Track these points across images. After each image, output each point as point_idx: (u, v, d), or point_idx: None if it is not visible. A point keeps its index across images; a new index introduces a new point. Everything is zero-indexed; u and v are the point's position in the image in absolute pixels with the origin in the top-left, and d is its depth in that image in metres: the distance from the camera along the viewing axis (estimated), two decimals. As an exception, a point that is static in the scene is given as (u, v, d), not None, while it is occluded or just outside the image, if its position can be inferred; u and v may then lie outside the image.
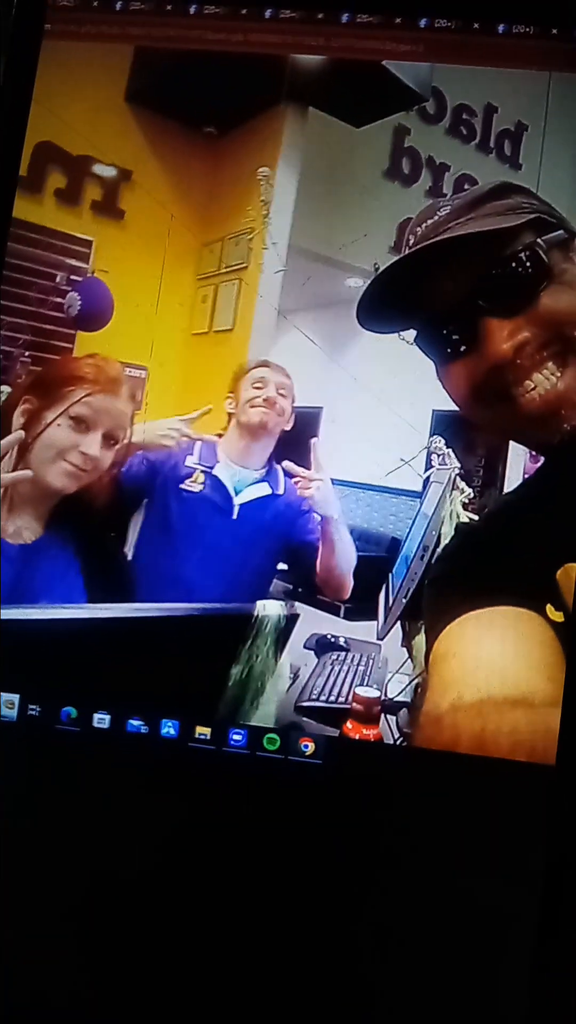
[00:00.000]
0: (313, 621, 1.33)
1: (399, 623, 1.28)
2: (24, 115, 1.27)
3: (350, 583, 1.38)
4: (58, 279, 1.40)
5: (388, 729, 1.18)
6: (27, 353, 1.34)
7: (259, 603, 1.26)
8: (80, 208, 1.43)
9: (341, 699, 1.23)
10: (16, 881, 1.12)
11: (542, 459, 1.13)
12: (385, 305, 1.10)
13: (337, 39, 1.23)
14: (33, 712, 1.17)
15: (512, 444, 1.22)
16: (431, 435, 1.27)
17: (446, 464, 1.29)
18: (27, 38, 1.26)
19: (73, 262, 1.41)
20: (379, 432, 1.29)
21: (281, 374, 1.40)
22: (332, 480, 1.33)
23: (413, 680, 1.21)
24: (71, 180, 1.41)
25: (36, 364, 1.34)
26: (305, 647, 1.32)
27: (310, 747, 1.13)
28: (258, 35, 1.25)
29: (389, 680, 1.24)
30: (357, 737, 1.16)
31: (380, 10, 1.21)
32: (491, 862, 1.05)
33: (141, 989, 1.11)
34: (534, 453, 1.16)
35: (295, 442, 1.38)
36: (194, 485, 1.41)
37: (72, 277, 1.41)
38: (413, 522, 1.35)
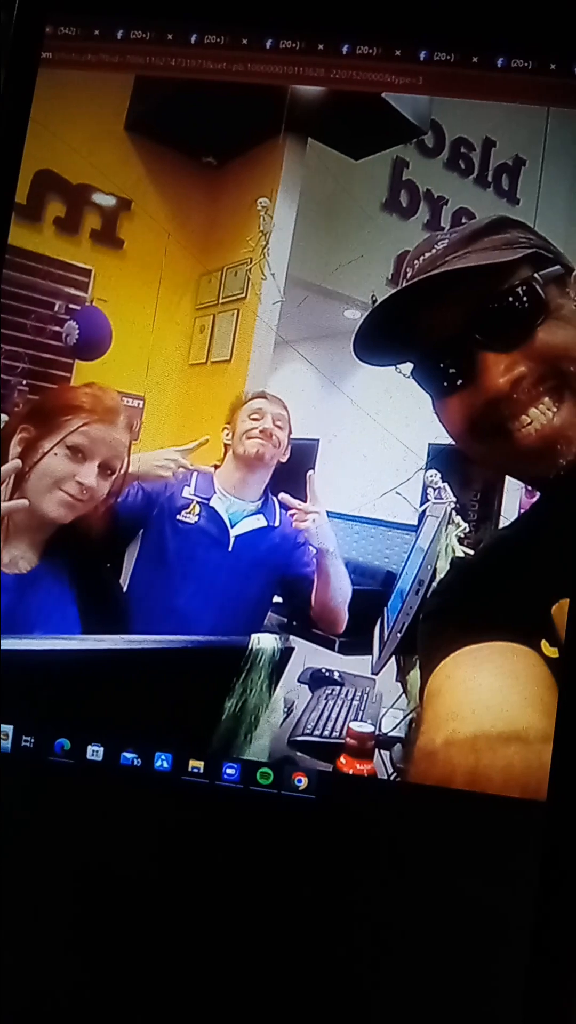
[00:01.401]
0: (308, 655, 1.32)
1: (394, 658, 1.28)
2: (20, 142, 1.26)
3: (345, 617, 1.38)
4: (56, 308, 1.40)
5: (382, 764, 1.17)
6: (24, 382, 1.34)
7: (254, 636, 1.26)
8: (79, 237, 1.44)
9: (335, 734, 1.22)
10: (9, 914, 1.11)
11: (538, 494, 1.12)
12: (382, 337, 1.09)
13: (337, 71, 1.23)
14: (27, 744, 1.17)
15: (508, 479, 1.22)
16: (427, 469, 1.27)
17: (442, 498, 1.29)
18: (24, 64, 1.26)
19: (72, 291, 1.42)
20: (375, 465, 1.28)
21: (278, 406, 1.40)
22: (328, 513, 1.33)
23: (407, 715, 1.21)
24: (70, 209, 1.41)
25: (33, 393, 1.33)
26: (299, 681, 1.31)
27: (304, 782, 1.13)
28: (258, 66, 1.25)
29: (383, 715, 1.24)
30: (351, 772, 1.15)
31: (380, 43, 1.21)
32: (485, 899, 1.04)
33: (136, 1018, 1.10)
34: (530, 488, 1.15)
35: (291, 474, 1.38)
36: (190, 516, 1.40)
37: (70, 306, 1.41)
38: (408, 556, 1.35)
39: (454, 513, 1.28)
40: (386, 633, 1.30)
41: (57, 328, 1.39)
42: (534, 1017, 1.02)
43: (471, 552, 1.26)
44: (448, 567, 1.23)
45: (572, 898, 1.03)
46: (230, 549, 1.41)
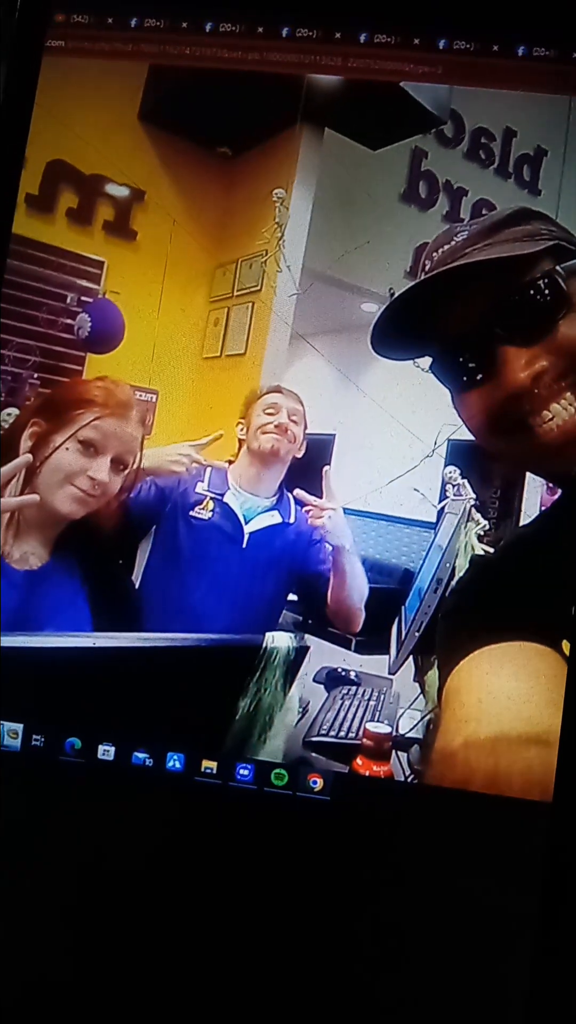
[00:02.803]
0: (323, 654, 1.31)
1: (411, 657, 1.27)
2: (24, 132, 1.25)
3: (361, 615, 1.37)
4: (69, 300, 1.39)
5: (399, 766, 1.16)
6: (36, 375, 1.33)
7: (268, 634, 1.24)
8: (92, 228, 1.43)
9: (351, 735, 1.21)
10: (18, 912, 1.10)
11: (559, 491, 1.11)
12: (400, 331, 1.07)
13: (355, 59, 1.22)
14: (37, 742, 1.16)
15: (529, 475, 1.20)
16: (446, 465, 1.26)
17: (461, 495, 1.28)
18: (28, 52, 1.25)
19: (84, 283, 1.41)
20: (393, 461, 1.27)
21: (294, 400, 1.38)
22: (344, 509, 1.32)
23: (425, 716, 1.20)
24: (83, 199, 1.40)
25: (45, 386, 1.33)
26: (315, 680, 1.30)
27: (319, 783, 1.11)
28: (275, 54, 1.24)
29: (401, 716, 1.23)
30: (367, 774, 1.14)
31: (398, 31, 1.20)
32: (502, 902, 1.03)
33: (145, 1022, 1.09)
34: (551, 485, 1.14)
35: (307, 470, 1.37)
36: (204, 512, 1.39)
37: (83, 298, 1.40)
38: (427, 554, 1.33)
39: (473, 510, 1.27)
40: (404, 632, 1.29)
41: (69, 321, 1.38)
42: (539, 1016, 1.01)
43: (491, 550, 1.24)
44: (467, 565, 1.22)
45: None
46: (244, 546, 1.40)
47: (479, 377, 1.02)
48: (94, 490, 1.24)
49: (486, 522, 1.26)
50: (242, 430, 1.43)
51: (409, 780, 1.15)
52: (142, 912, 1.10)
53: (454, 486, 1.29)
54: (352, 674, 1.33)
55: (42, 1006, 1.10)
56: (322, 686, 1.32)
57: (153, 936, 1.09)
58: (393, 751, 1.16)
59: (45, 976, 1.10)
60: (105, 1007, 1.09)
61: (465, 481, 1.28)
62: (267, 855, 1.10)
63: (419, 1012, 1.04)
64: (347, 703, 1.30)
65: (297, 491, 1.38)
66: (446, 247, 1.04)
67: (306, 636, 1.30)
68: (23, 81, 1.25)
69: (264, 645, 1.23)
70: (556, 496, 1.12)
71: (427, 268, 1.07)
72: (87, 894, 1.11)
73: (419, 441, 1.25)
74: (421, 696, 1.24)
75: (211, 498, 1.40)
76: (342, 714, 1.27)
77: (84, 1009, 1.09)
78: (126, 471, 1.28)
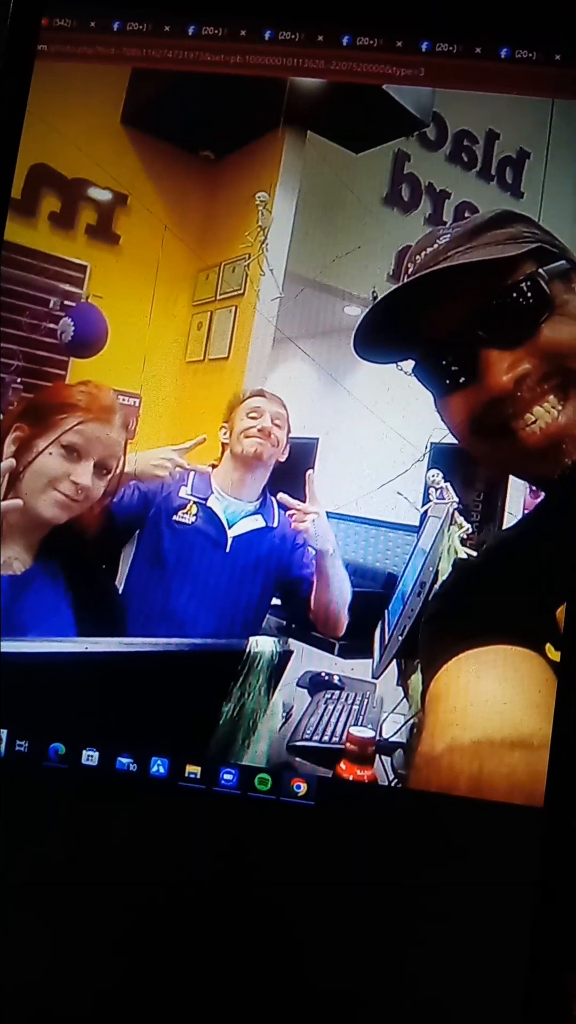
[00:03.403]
0: (307, 658, 1.31)
1: (395, 661, 1.27)
2: (16, 136, 1.25)
3: (345, 619, 1.37)
4: (51, 304, 1.39)
5: (383, 770, 1.16)
6: (19, 379, 1.33)
7: (252, 639, 1.24)
8: (75, 232, 1.42)
9: (335, 739, 1.21)
10: (2, 917, 1.10)
11: (543, 494, 1.11)
12: (383, 334, 1.08)
13: (337, 62, 1.21)
14: (20, 748, 1.15)
15: (512, 479, 1.20)
16: (429, 468, 1.26)
17: (444, 498, 1.28)
18: (20, 58, 1.24)
19: (67, 287, 1.40)
20: (376, 465, 1.27)
21: (277, 404, 1.38)
22: (327, 513, 1.32)
23: (409, 720, 1.20)
24: (66, 203, 1.40)
25: (28, 391, 1.32)
26: (298, 685, 1.30)
27: (303, 788, 1.11)
28: (257, 57, 1.24)
29: (384, 720, 1.23)
30: (351, 778, 1.14)
31: (381, 33, 1.20)
32: (486, 906, 1.03)
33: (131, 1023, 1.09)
34: (534, 488, 1.14)
35: (290, 474, 1.37)
36: (187, 517, 1.39)
37: (66, 302, 1.40)
38: (410, 557, 1.33)
39: (456, 514, 1.27)
40: (387, 636, 1.29)
41: (52, 325, 1.38)
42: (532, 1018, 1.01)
43: (474, 554, 1.24)
44: (450, 569, 1.22)
45: (570, 905, 1.02)
46: (228, 550, 1.40)
47: (462, 380, 1.02)
48: (77, 495, 1.24)
49: (469, 525, 1.26)
50: (225, 434, 1.43)
51: (393, 784, 1.14)
52: (127, 917, 1.10)
53: (437, 489, 1.29)
54: (336, 678, 1.33)
55: (27, 1009, 1.09)
56: (306, 690, 1.32)
57: (138, 942, 1.09)
58: (377, 755, 1.16)
59: (31, 980, 1.10)
60: (90, 1010, 1.09)
61: (448, 484, 1.28)
62: (251, 860, 1.09)
63: (407, 1016, 1.04)
64: (331, 707, 1.29)
65: (280, 495, 1.38)
66: (429, 250, 1.05)
67: (290, 640, 1.31)
68: (16, 86, 1.25)
69: (248, 650, 1.23)
70: (539, 499, 1.12)
71: (410, 271, 1.07)
72: (71, 900, 1.11)
73: (409, 445, 1.25)
74: (405, 700, 1.24)
75: (194, 502, 1.40)
76: (326, 718, 1.27)
77: (69, 1012, 1.09)
78: (109, 476, 1.28)
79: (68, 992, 1.09)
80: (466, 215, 1.29)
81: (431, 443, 1.24)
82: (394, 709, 1.24)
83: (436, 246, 1.04)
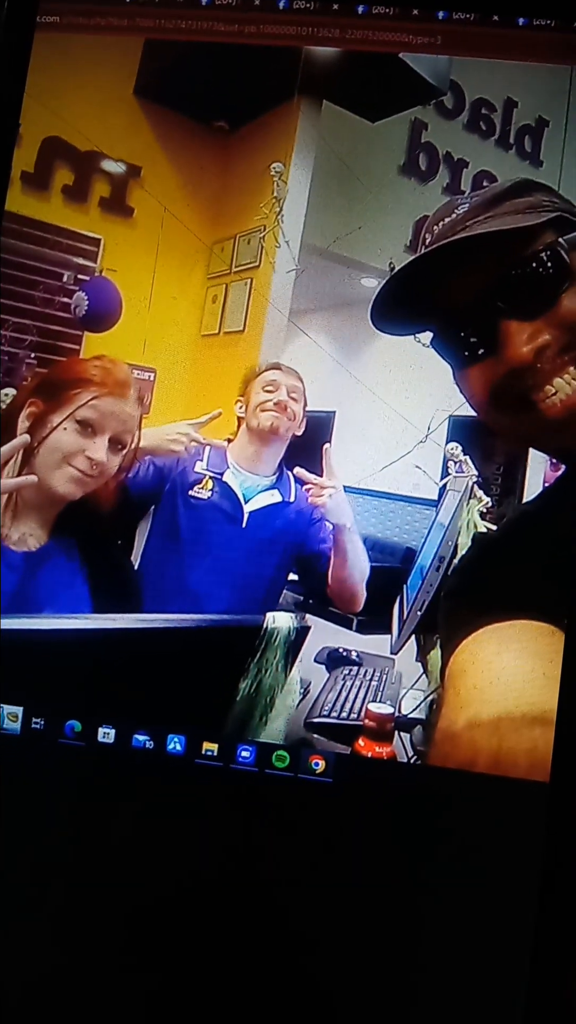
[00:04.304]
0: (324, 634, 1.31)
1: (414, 637, 1.26)
2: (16, 108, 1.24)
3: (363, 594, 1.36)
4: (65, 278, 1.38)
5: (402, 747, 1.15)
6: (33, 354, 1.33)
7: (269, 615, 1.23)
8: (88, 205, 1.42)
9: (353, 715, 1.21)
10: (18, 895, 1.10)
11: (563, 467, 1.09)
12: (400, 306, 1.06)
13: (353, 31, 1.20)
14: (37, 725, 1.15)
15: (532, 451, 1.19)
16: (448, 441, 1.25)
17: (463, 472, 1.27)
18: (19, 27, 1.23)
19: (81, 261, 1.40)
20: (394, 438, 1.26)
21: (293, 377, 1.37)
22: (345, 487, 1.31)
23: (428, 696, 1.19)
24: (79, 177, 1.39)
25: (42, 366, 1.32)
26: (316, 661, 1.30)
27: (320, 765, 1.10)
28: (271, 27, 1.22)
29: (403, 696, 1.22)
30: (369, 755, 1.14)
31: (397, 1, 1.18)
32: (504, 882, 1.02)
33: (143, 1007, 1.09)
34: (555, 461, 1.13)
35: (307, 448, 1.36)
36: (203, 492, 1.39)
37: (79, 276, 1.39)
38: (429, 532, 1.33)
39: (476, 487, 1.26)
40: (406, 611, 1.29)
41: (66, 299, 1.37)
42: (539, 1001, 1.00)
43: (494, 527, 1.23)
44: (470, 543, 1.21)
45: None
46: (244, 525, 1.39)
47: (481, 352, 1.00)
48: (92, 470, 1.23)
49: (488, 499, 1.26)
50: (241, 408, 1.42)
51: (412, 761, 1.14)
52: (143, 895, 1.10)
53: (456, 463, 1.28)
54: (354, 654, 1.33)
55: (41, 986, 1.09)
56: (323, 666, 1.32)
57: (154, 919, 1.09)
58: (395, 732, 1.15)
59: (45, 956, 1.10)
60: (105, 989, 1.09)
61: (467, 458, 1.27)
62: (269, 837, 1.09)
63: (423, 989, 1.04)
64: (349, 683, 1.29)
65: (297, 469, 1.37)
66: (447, 220, 1.03)
67: (307, 616, 1.30)
68: (15, 57, 1.23)
69: (264, 625, 1.22)
70: (560, 472, 1.11)
71: (427, 242, 1.05)
72: (88, 877, 1.11)
73: (426, 418, 1.24)
74: (424, 676, 1.23)
75: (210, 477, 1.39)
76: (344, 695, 1.26)
77: (83, 991, 1.09)
78: (124, 451, 1.27)
79: (83, 963, 1.09)
80: (484, 184, 1.28)
81: (449, 416, 1.23)
82: (413, 685, 1.23)
83: (454, 216, 1.02)
